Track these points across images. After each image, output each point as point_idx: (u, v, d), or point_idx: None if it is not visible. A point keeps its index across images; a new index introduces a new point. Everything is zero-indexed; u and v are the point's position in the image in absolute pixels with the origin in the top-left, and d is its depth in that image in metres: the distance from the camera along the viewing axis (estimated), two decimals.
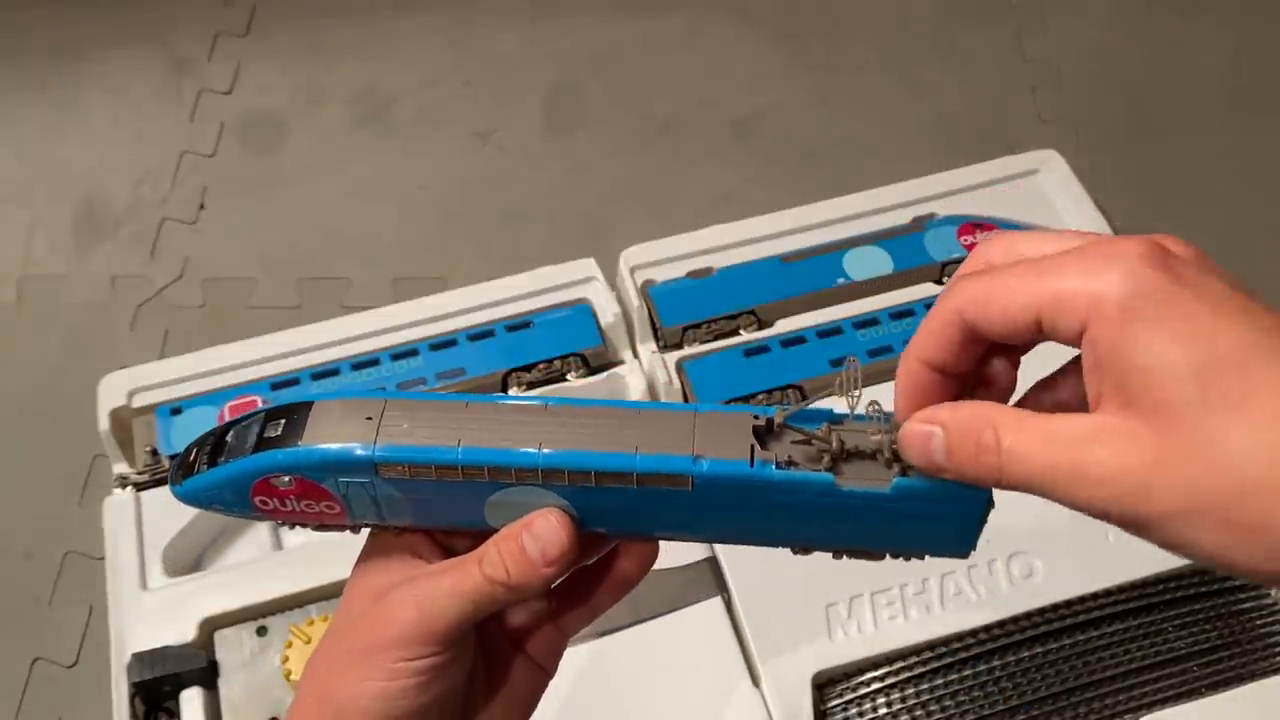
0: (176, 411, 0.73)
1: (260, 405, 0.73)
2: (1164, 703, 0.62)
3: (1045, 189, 0.82)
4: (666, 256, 0.79)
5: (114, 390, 0.74)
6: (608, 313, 0.77)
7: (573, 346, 0.76)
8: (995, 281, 0.30)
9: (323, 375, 0.75)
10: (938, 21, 1.17)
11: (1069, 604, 0.64)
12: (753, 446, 0.34)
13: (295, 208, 1.06)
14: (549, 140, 1.09)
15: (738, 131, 1.09)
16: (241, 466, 0.35)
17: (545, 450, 0.34)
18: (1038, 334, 0.30)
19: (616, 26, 1.17)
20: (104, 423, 0.72)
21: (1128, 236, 0.29)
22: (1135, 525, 0.28)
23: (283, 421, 0.35)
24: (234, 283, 1.01)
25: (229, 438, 0.36)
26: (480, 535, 0.36)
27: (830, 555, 0.36)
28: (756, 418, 0.34)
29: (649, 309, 0.77)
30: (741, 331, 0.77)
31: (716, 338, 0.77)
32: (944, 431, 0.30)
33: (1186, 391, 0.26)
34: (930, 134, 1.07)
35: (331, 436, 0.34)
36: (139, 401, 0.74)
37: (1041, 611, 0.64)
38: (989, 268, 0.31)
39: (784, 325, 0.77)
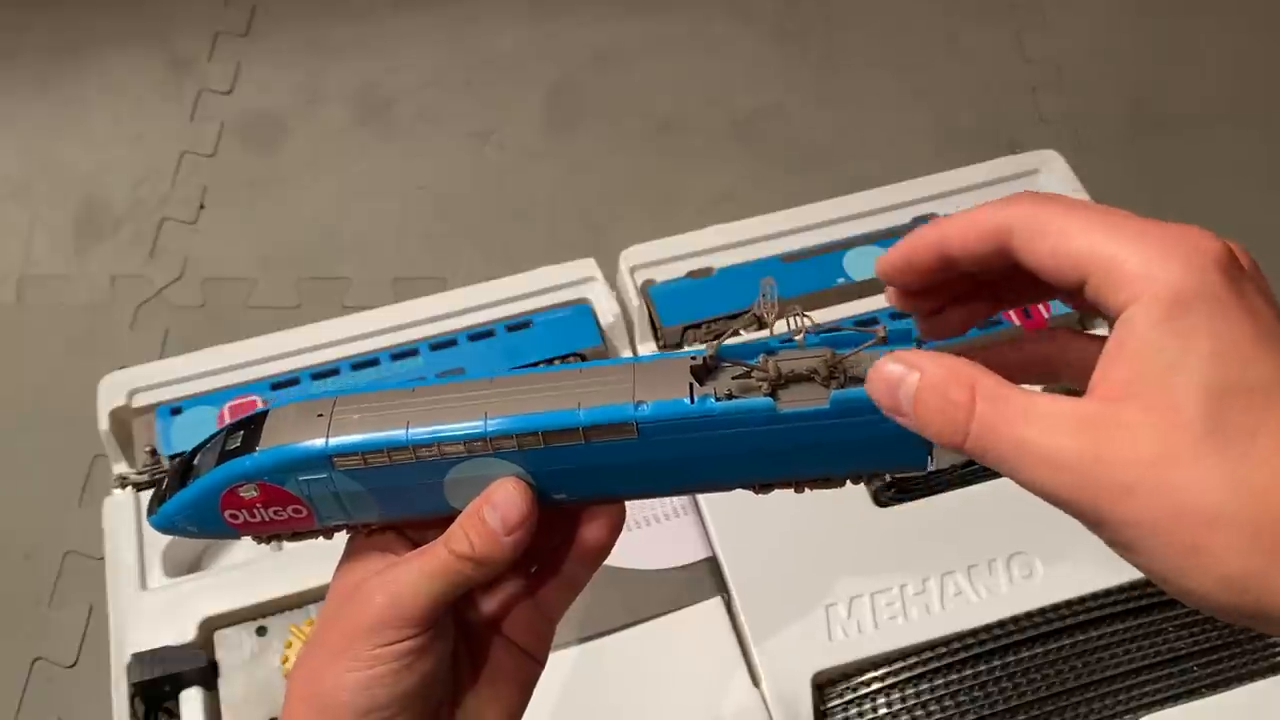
0: (176, 411, 0.73)
1: (260, 405, 0.73)
2: (1164, 703, 0.62)
3: (1045, 189, 0.82)
4: (666, 256, 0.79)
5: (114, 390, 0.74)
6: (608, 313, 0.77)
7: (573, 346, 0.76)
8: (1060, 216, 0.28)
9: (323, 375, 0.75)
10: (938, 21, 1.17)
11: (1069, 604, 0.64)
12: (691, 385, 0.34)
13: (295, 208, 1.06)
14: (549, 140, 1.09)
15: (738, 131, 1.09)
16: (205, 482, 0.36)
17: (491, 418, 0.34)
18: (1073, 289, 0.28)
19: (616, 26, 1.17)
20: (104, 423, 0.72)
21: (1203, 231, 0.27)
22: (1090, 520, 0.27)
23: (241, 433, 0.36)
24: (234, 283, 1.01)
25: (196, 460, 0.37)
26: (449, 523, 0.37)
27: (793, 491, 0.37)
28: (694, 359, 0.35)
29: (649, 309, 0.77)
30: (742, 332, 0.77)
31: (716, 338, 0.76)
32: (920, 377, 0.29)
33: (1203, 406, 0.25)
34: (930, 134, 1.07)
35: (287, 438, 0.35)
36: (139, 401, 0.73)
37: (1041, 611, 0.63)
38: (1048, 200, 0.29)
39: (784, 325, 0.77)
